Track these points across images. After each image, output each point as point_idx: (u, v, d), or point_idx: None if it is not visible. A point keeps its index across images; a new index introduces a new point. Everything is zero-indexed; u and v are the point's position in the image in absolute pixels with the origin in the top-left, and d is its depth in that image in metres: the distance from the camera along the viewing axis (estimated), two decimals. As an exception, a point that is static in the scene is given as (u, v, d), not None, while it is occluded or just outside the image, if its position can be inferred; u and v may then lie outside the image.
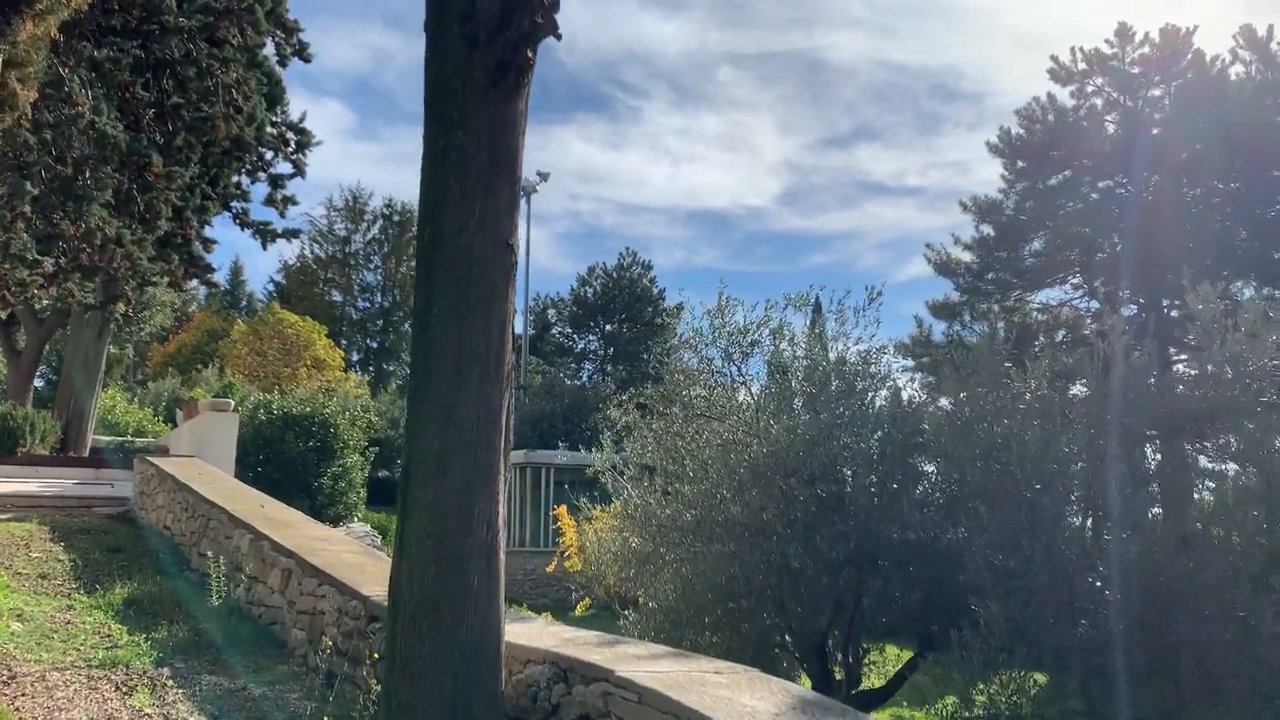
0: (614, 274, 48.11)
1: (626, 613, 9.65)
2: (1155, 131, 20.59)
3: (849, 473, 8.59)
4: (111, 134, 11.10)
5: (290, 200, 16.12)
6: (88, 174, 11.09)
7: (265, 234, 16.21)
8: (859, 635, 8.91)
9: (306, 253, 59.72)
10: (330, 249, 60.32)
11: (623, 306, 47.34)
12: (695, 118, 66.81)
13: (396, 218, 60.71)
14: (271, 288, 59.68)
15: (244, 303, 61.25)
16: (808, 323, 10.24)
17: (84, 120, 10.84)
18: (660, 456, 9.87)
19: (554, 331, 50.50)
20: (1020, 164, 22.03)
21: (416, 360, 4.64)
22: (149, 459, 13.68)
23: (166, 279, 14.32)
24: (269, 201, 15.93)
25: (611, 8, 61.15)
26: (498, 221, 4.52)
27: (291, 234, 17.19)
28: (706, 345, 10.31)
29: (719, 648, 8.10)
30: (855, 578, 8.15)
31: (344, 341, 57.62)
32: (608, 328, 48.21)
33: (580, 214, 73.80)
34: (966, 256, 23.14)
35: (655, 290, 48.13)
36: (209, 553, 9.64)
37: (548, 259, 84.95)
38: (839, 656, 8.87)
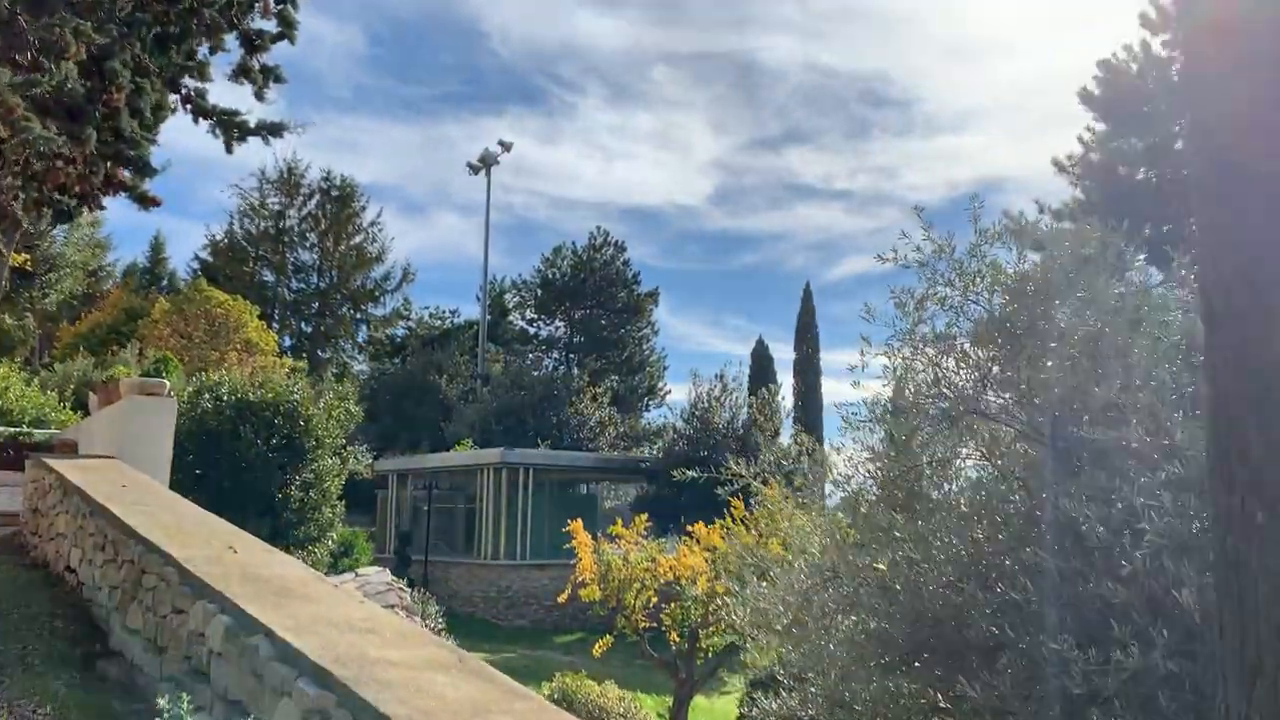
0: (583, 255, 44.16)
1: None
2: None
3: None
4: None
5: (273, 75, 11.24)
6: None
7: (231, 127, 11.27)
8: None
9: (236, 228, 54.63)
10: (262, 224, 55.21)
11: (594, 291, 43.45)
12: (629, 115, 66.14)
13: (335, 192, 55.86)
14: (196, 265, 54.40)
15: (165, 281, 55.87)
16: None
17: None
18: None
19: (513, 318, 46.36)
20: (1102, 127, 18.74)
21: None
22: (47, 461, 9.49)
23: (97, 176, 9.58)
24: (241, 73, 10.91)
25: (547, 1, 59.23)
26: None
27: (271, 130, 11.69)
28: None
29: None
30: None
31: (275, 324, 52.68)
32: (577, 314, 44.24)
33: (513, 206, 72.14)
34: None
35: (630, 273, 44.38)
36: (146, 631, 5.64)
37: (477, 249, 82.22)
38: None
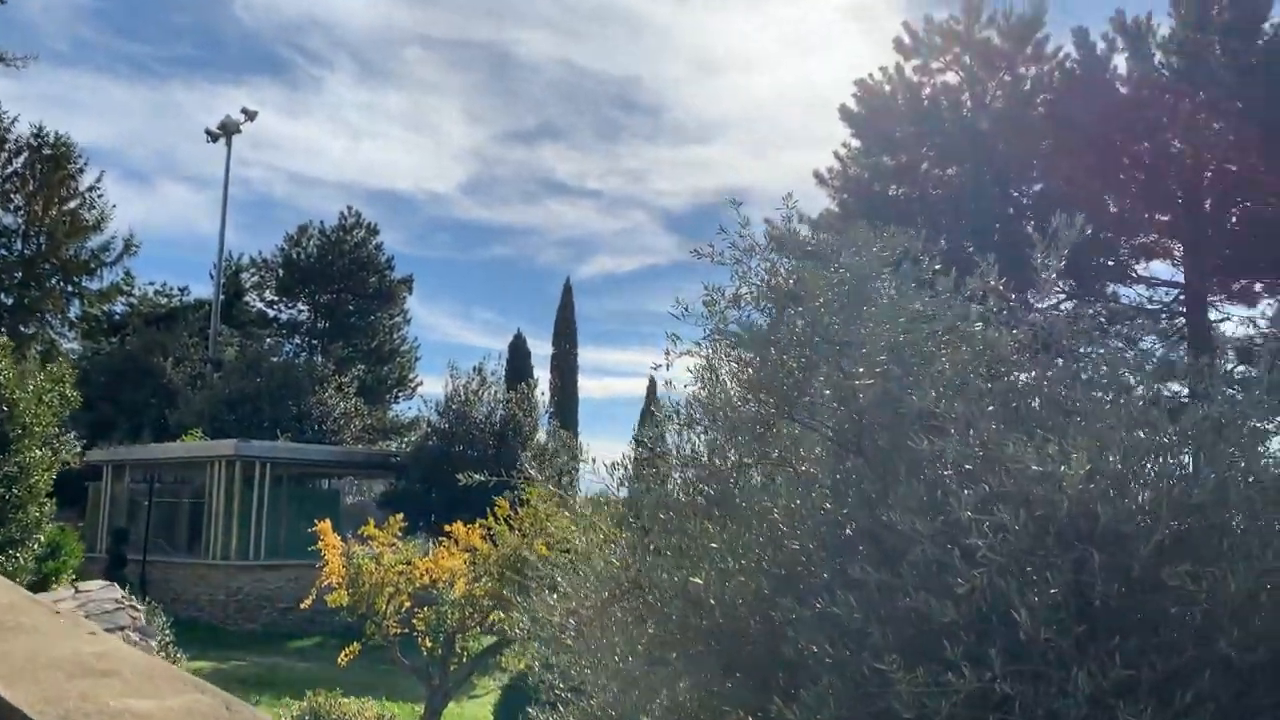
0: (332, 236, 41.83)
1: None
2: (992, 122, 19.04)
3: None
4: None
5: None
6: None
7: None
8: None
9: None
10: (-45, 180, 48.82)
11: (342, 274, 41.24)
12: (380, 94, 63.98)
13: (48, 150, 50.29)
14: None
15: None
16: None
17: None
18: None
19: (250, 299, 43.29)
20: (858, 144, 19.74)
21: None
22: None
23: None
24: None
25: (296, -33, 56.02)
26: None
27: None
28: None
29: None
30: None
31: (-30, 295, 46.69)
32: (323, 297, 41.84)
33: (250, 181, 67.85)
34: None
35: (383, 258, 42.47)
36: None
37: (209, 224, 77.09)
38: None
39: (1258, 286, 16.81)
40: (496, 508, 12.62)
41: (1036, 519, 3.73)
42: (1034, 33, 16.97)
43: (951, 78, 17.53)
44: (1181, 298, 16.26)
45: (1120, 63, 15.54)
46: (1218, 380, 4.10)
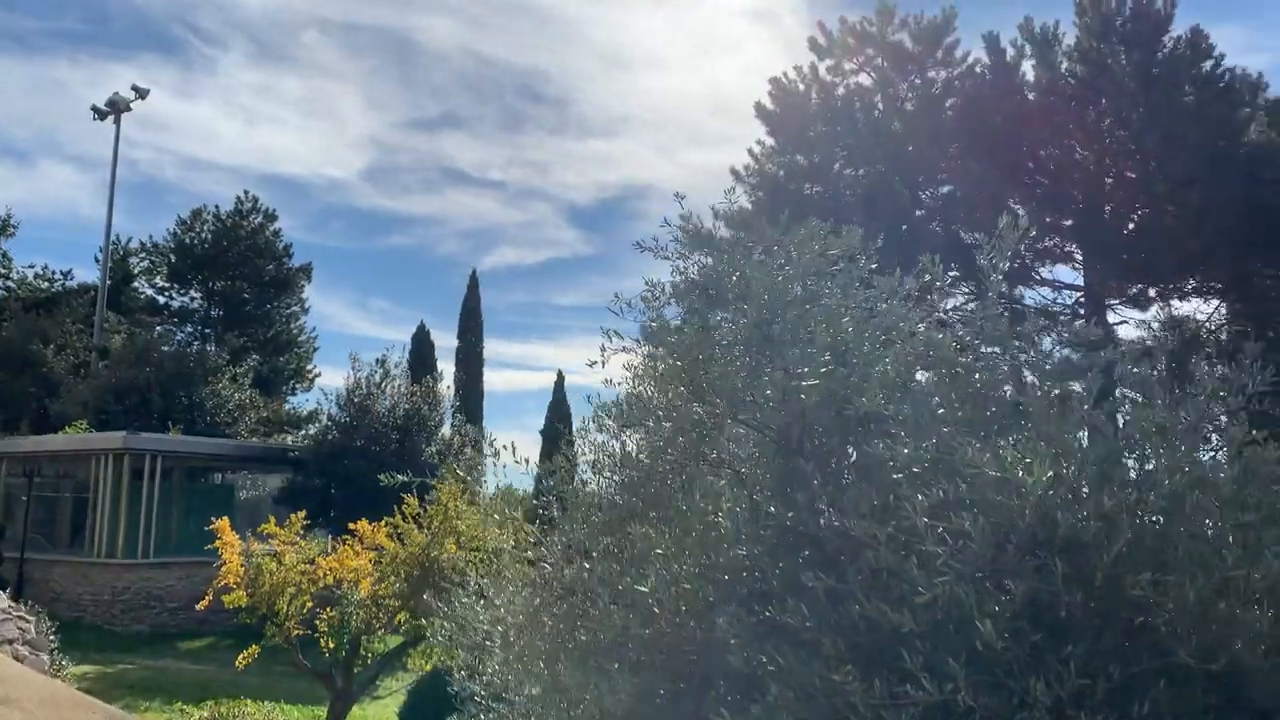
0: (228, 221, 40.21)
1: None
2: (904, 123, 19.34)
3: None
4: None
5: None
6: None
7: None
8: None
9: None
10: None
11: (238, 261, 39.68)
12: (276, 77, 61.92)
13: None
14: None
15: None
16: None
17: None
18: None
19: (139, 285, 41.35)
20: (772, 142, 19.82)
21: None
22: None
23: None
24: None
25: (190, -54, 53.73)
26: None
27: None
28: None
29: None
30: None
31: None
32: (217, 285, 40.19)
33: (137, 163, 64.93)
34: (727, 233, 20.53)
35: (281, 245, 41.01)
36: None
37: (93, 207, 73.49)
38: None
39: (1151, 291, 17.44)
40: (405, 505, 12.23)
41: (995, 526, 3.64)
42: (944, 36, 17.26)
43: (864, 79, 17.73)
44: (1082, 300, 16.76)
45: (1029, 69, 15.93)
46: (1156, 383, 4.08)
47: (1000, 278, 4.74)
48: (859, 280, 5.13)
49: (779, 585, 4.17)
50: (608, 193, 67.46)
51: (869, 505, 4.04)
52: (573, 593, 4.77)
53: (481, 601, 5.35)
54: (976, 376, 4.55)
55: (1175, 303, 17.22)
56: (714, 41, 56.94)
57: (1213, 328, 17.65)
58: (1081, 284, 16.85)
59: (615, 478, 4.82)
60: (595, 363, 5.11)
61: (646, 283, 5.17)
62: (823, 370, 4.69)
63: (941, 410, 4.29)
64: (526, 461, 6.82)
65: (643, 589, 4.06)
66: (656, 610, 4.13)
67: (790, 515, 4.43)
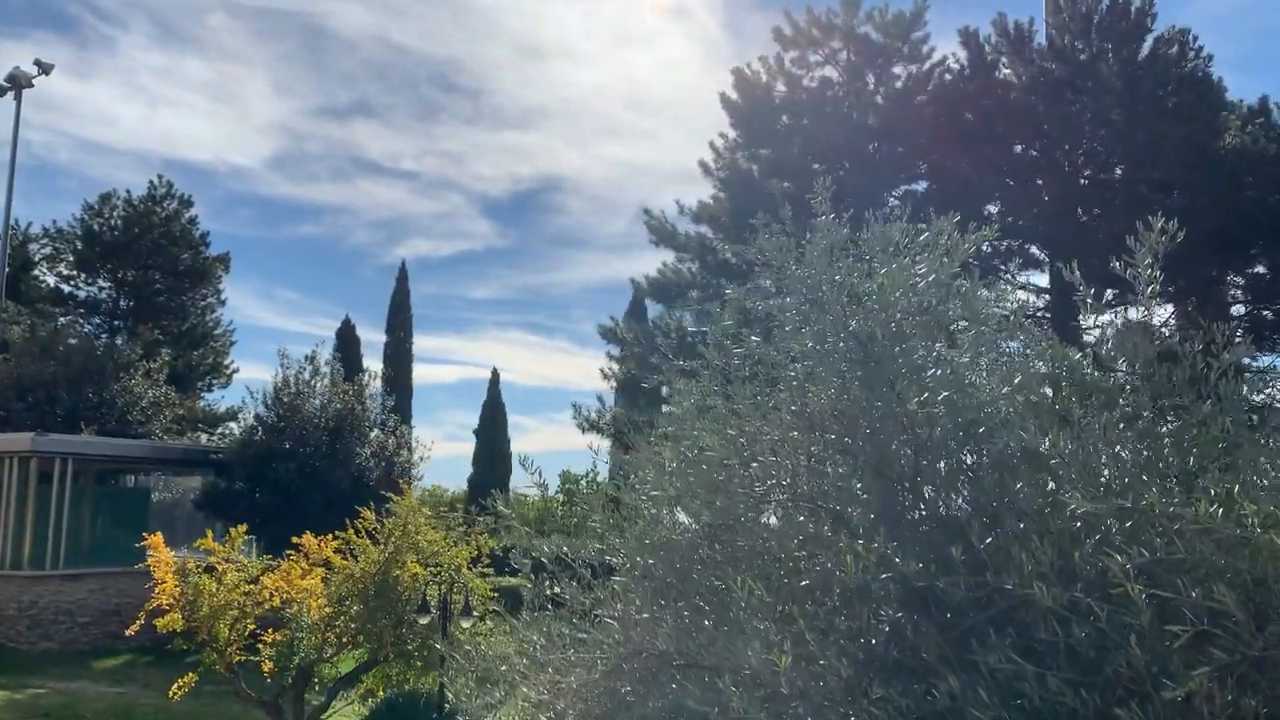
0: (140, 207, 38.02)
1: None
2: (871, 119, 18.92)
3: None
4: None
5: None
6: None
7: None
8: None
9: None
10: None
11: (151, 249, 37.54)
12: (179, 60, 59.53)
13: None
14: None
15: None
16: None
17: None
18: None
19: (40, 273, 38.89)
20: (736, 134, 19.13)
21: None
22: None
23: None
24: None
25: (87, -81, 51.09)
26: None
27: None
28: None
29: None
30: None
31: None
32: (128, 274, 37.98)
33: (30, 144, 61.55)
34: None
35: (197, 233, 38.92)
36: None
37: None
38: None
39: (1109, 294, 17.27)
40: (360, 519, 11.28)
41: (1244, 598, 2.99)
42: (912, 31, 16.84)
43: (831, 71, 17.22)
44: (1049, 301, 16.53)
45: (1004, 66, 15.57)
46: None
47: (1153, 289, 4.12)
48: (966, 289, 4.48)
49: (934, 658, 3.47)
50: (522, 185, 66.31)
51: (1049, 564, 3.36)
52: (669, 663, 3.99)
53: (533, 695, 4.47)
54: (1157, 403, 3.91)
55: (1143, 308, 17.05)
56: (630, 35, 56.47)
57: (1168, 333, 17.61)
58: (1047, 285, 16.64)
59: (687, 520, 4.08)
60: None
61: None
62: (942, 395, 4.02)
63: (1118, 448, 3.64)
64: (545, 487, 6.00)
65: (776, 668, 3.30)
66: (785, 691, 3.40)
67: (926, 570, 3.71)
